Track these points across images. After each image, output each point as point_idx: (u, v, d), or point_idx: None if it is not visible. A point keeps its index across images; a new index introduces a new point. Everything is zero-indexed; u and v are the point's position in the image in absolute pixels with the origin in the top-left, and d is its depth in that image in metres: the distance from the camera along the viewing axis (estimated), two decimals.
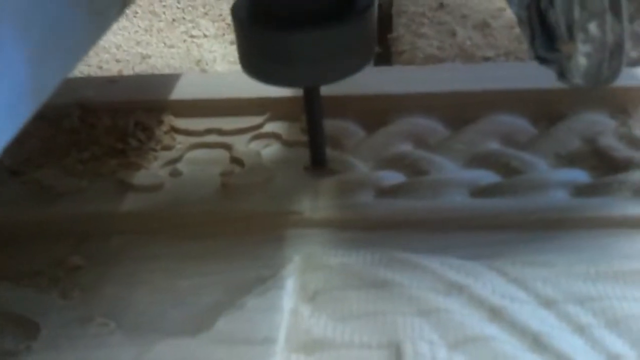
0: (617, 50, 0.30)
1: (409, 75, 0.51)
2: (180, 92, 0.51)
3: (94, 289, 0.39)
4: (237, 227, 0.41)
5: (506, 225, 0.39)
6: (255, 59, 0.39)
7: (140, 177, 0.45)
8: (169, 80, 0.52)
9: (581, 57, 0.31)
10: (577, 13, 0.30)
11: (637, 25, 0.30)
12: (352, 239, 0.40)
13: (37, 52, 0.26)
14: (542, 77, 0.47)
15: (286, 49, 0.37)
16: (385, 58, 0.64)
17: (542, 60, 0.32)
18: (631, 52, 0.31)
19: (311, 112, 0.43)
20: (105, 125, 0.49)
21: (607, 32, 0.30)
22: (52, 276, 0.40)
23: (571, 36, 0.30)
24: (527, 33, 0.32)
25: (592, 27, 0.30)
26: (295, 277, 0.36)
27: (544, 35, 0.31)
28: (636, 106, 0.46)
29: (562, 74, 0.32)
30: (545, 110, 0.47)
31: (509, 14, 0.65)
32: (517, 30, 0.62)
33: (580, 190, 0.41)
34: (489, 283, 0.35)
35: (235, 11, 0.39)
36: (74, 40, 0.29)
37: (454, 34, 0.63)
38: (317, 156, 0.45)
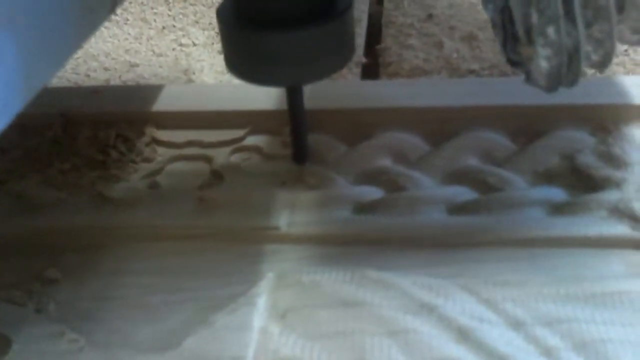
0: (575, 54, 0.31)
1: (392, 89, 0.51)
2: (163, 103, 0.51)
3: (68, 303, 0.39)
4: (213, 242, 0.41)
5: (481, 243, 0.39)
6: (240, 59, 0.40)
7: (119, 190, 0.45)
8: (151, 91, 0.52)
9: (542, 60, 0.32)
10: (535, 18, 0.31)
11: (596, 30, 0.31)
12: (328, 255, 0.40)
13: (28, 49, 0.27)
14: (522, 93, 0.47)
15: (269, 49, 0.38)
16: (372, 69, 0.64)
17: (512, 63, 0.33)
18: (593, 56, 0.32)
19: (294, 110, 0.44)
20: (87, 136, 0.49)
21: (564, 36, 0.31)
22: (27, 289, 0.40)
23: (530, 40, 0.31)
24: (500, 37, 0.33)
25: (550, 32, 0.31)
26: (267, 294, 0.36)
27: (515, 38, 0.32)
28: (616, 123, 0.46)
29: (529, 77, 0.33)
30: (525, 127, 0.46)
31: None
32: None
33: (557, 209, 0.41)
34: (459, 303, 0.35)
35: (219, 13, 0.40)
36: (65, 37, 0.30)
37: (441, 45, 0.63)
38: (299, 153, 0.46)
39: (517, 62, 0.33)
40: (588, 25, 0.31)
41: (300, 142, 0.46)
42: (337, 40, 0.39)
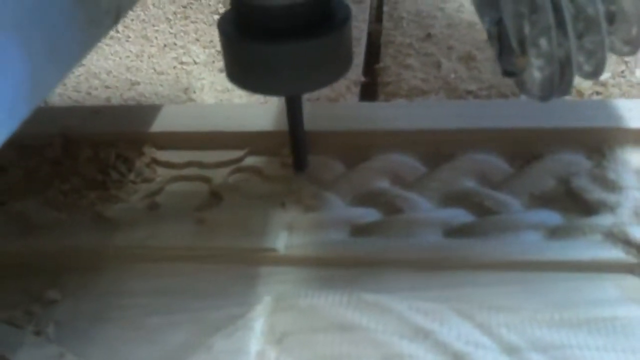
0: (567, 64, 0.33)
1: (389, 111, 0.51)
2: (162, 124, 0.51)
3: (67, 324, 0.39)
4: (211, 263, 0.42)
5: (477, 266, 0.40)
6: (241, 69, 0.41)
7: (118, 211, 0.45)
8: (151, 111, 0.53)
9: (535, 70, 0.33)
10: (527, 29, 0.32)
11: (587, 41, 0.32)
12: (325, 277, 0.40)
13: (36, 58, 0.29)
14: (519, 116, 0.48)
15: (269, 60, 0.39)
16: (371, 88, 0.64)
17: (507, 73, 0.35)
18: (585, 66, 0.33)
19: (293, 119, 0.45)
20: (87, 156, 0.49)
21: (555, 47, 0.32)
22: (27, 310, 0.40)
23: (523, 51, 0.32)
24: (496, 48, 0.34)
25: (543, 42, 0.32)
26: (264, 318, 0.37)
27: (509, 50, 0.33)
28: (611, 147, 0.46)
29: (523, 87, 0.34)
30: (522, 150, 0.47)
31: None
32: None
33: (552, 232, 0.41)
34: (454, 328, 0.35)
35: (221, 25, 0.41)
36: (70, 48, 0.32)
37: (439, 66, 0.64)
38: (299, 161, 0.47)
39: (511, 72, 0.34)
40: (579, 36, 0.32)
41: (299, 151, 0.47)
42: (335, 52, 0.40)
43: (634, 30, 0.32)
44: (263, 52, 0.39)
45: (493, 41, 0.34)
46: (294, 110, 0.45)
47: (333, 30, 0.39)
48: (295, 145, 0.47)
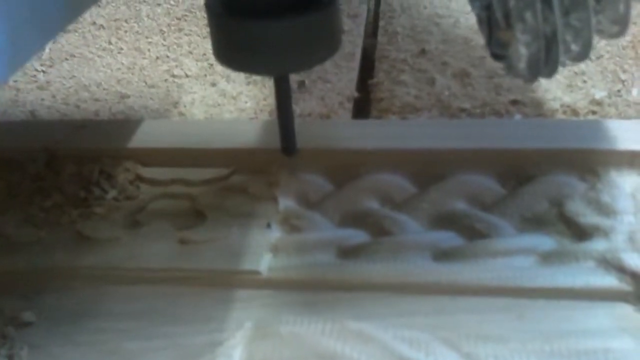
0: (553, 40, 0.32)
1: (380, 130, 0.50)
2: (148, 140, 0.50)
3: (42, 348, 0.38)
4: (192, 286, 0.40)
5: (465, 292, 0.39)
6: (228, 49, 0.40)
7: (99, 229, 0.44)
8: (137, 126, 0.52)
9: (521, 46, 0.32)
10: (512, 3, 0.31)
11: (573, 18, 0.31)
12: (308, 301, 0.39)
13: (16, 27, 0.29)
14: (512, 137, 0.47)
15: (257, 38, 0.39)
16: (364, 104, 0.63)
17: (496, 56, 0.34)
18: (572, 46, 0.33)
19: (281, 99, 0.45)
20: (70, 172, 0.48)
21: (540, 21, 0.31)
22: (0, 333, 0.39)
23: (508, 24, 0.32)
24: (486, 32, 0.34)
25: (528, 16, 0.31)
26: (244, 346, 0.36)
27: (497, 27, 0.33)
28: (607, 169, 0.45)
29: (510, 67, 0.34)
30: (515, 171, 0.46)
31: (490, 62, 0.65)
32: (496, 80, 0.62)
33: (544, 258, 0.40)
34: (440, 358, 0.34)
35: (208, 4, 0.40)
36: (53, 19, 0.32)
37: (432, 82, 0.63)
38: (287, 143, 0.47)
39: (500, 55, 0.34)
40: (566, 12, 0.31)
41: (288, 133, 0.46)
42: (324, 31, 0.40)
43: (622, 8, 0.31)
44: (251, 31, 0.38)
45: (483, 26, 0.34)
46: (282, 90, 0.44)
47: (321, 9, 0.39)
48: (284, 128, 0.46)
